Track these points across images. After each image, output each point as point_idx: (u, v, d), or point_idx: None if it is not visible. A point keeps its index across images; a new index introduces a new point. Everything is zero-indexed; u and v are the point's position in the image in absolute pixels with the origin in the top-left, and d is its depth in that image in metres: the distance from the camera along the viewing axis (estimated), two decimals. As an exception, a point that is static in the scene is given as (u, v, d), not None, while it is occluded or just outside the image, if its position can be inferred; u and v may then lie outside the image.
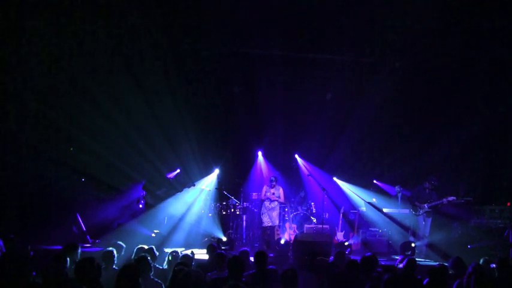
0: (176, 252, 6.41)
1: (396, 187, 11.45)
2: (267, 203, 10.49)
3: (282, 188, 10.93)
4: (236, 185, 12.21)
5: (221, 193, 11.82)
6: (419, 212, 9.84)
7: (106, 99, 10.69)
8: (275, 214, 10.52)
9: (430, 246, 9.72)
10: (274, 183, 10.60)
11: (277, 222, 10.59)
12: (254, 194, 12.00)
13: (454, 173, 11.94)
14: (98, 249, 7.84)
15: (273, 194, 10.51)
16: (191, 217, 11.08)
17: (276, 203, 10.54)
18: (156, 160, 11.75)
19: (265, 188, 10.70)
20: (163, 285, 5.08)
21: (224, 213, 11.66)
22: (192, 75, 11.81)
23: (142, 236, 9.48)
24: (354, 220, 11.11)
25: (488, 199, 10.92)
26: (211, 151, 12.81)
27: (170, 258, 6.23)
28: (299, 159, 13.24)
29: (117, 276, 4.29)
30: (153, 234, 10.01)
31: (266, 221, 10.44)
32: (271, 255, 8.25)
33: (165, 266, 6.20)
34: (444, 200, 9.74)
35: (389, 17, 10.09)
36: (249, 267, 5.79)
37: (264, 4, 9.78)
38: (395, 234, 10.67)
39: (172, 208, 11.12)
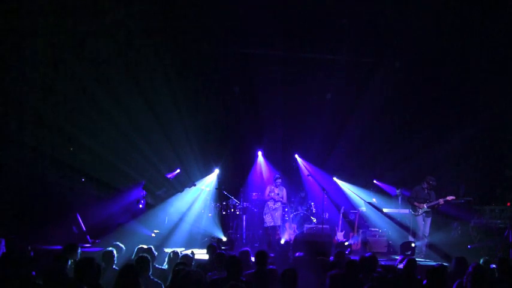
0: (176, 252, 6.41)
1: (398, 190, 11.43)
2: (270, 204, 10.50)
3: (285, 189, 10.93)
4: (236, 185, 12.22)
5: (221, 193, 11.81)
6: (418, 211, 9.82)
7: (106, 99, 10.68)
8: (278, 214, 10.54)
9: (430, 246, 9.70)
10: (279, 181, 10.60)
11: (279, 223, 10.61)
12: (254, 194, 12.01)
13: (454, 173, 11.93)
14: (98, 249, 7.83)
15: (277, 194, 10.53)
16: (191, 217, 11.08)
17: (279, 203, 10.56)
18: (156, 160, 11.75)
19: (269, 188, 10.69)
20: (163, 285, 5.08)
21: (224, 213, 11.66)
22: (192, 75, 11.81)
23: (143, 236, 9.48)
24: (354, 220, 11.09)
25: (488, 199, 10.91)
26: (211, 151, 12.80)
27: (171, 257, 6.23)
28: (299, 159, 13.23)
29: (117, 276, 4.30)
30: (153, 234, 10.02)
31: (268, 221, 10.45)
32: (271, 255, 8.24)
33: (165, 266, 6.20)
34: (441, 200, 9.68)
35: (389, 17, 10.10)
36: (249, 267, 5.79)
37: (263, 4, 9.79)
38: (395, 234, 10.67)
39: (172, 208, 11.12)
